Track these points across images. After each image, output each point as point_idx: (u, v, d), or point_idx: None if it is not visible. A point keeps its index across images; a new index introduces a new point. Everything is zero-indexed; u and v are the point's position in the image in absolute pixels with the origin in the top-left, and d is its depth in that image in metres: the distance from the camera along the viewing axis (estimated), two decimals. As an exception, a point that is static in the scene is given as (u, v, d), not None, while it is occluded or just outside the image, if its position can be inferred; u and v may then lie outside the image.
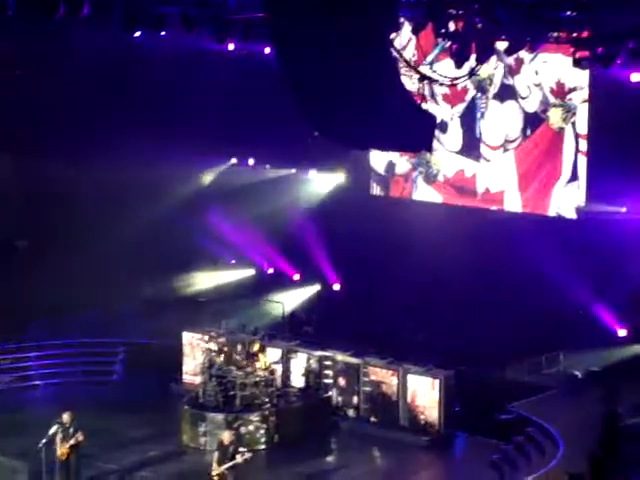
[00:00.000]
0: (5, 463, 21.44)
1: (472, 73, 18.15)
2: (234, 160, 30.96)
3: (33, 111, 26.66)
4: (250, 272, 31.10)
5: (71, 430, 20.09)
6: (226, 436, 19.78)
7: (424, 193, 28.36)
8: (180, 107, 27.80)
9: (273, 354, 24.46)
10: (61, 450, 20.04)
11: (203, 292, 29.90)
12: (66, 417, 20.13)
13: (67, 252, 26.90)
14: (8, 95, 26.22)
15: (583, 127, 25.52)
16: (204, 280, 30.42)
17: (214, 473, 19.37)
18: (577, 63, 18.47)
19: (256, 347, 23.84)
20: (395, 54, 12.29)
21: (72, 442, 20.02)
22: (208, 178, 30.78)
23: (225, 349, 24.18)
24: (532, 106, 26.27)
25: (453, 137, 27.45)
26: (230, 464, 19.30)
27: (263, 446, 22.34)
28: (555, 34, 18.64)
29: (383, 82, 11.90)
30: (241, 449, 19.71)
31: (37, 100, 26.56)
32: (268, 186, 30.50)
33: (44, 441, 19.86)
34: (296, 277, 30.47)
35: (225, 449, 19.49)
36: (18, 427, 22.56)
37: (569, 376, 23.64)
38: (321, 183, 30.32)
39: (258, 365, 23.37)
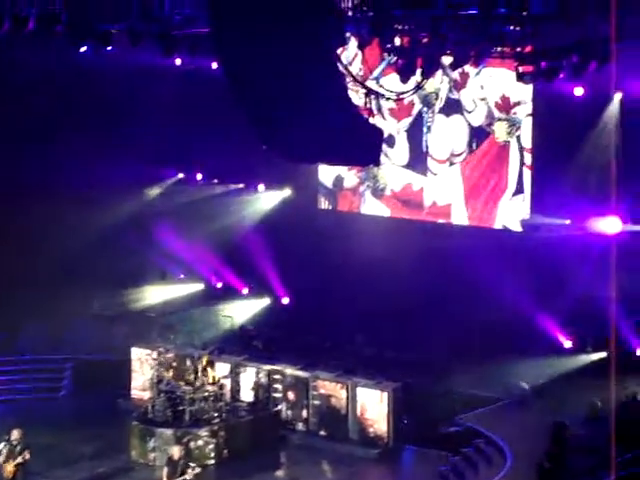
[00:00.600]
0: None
1: (418, 87, 18.32)
2: (181, 175, 30.90)
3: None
4: (199, 286, 31.02)
5: (18, 448, 19.92)
6: (175, 451, 19.77)
7: (372, 207, 28.51)
8: (127, 121, 27.72)
9: (222, 368, 24.44)
10: (7, 468, 19.86)
11: (152, 307, 29.75)
12: (15, 434, 19.96)
13: (11, 263, 26.61)
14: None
15: (528, 141, 25.83)
16: (153, 295, 30.29)
17: None
18: (520, 77, 18.71)
19: (204, 362, 23.80)
20: (342, 69, 12.41)
21: (19, 460, 19.85)
22: (155, 192, 30.69)
23: (174, 364, 24.11)
24: (478, 120, 26.54)
25: (400, 151, 27.65)
26: (181, 479, 19.28)
27: (212, 461, 22.30)
28: (499, 49, 18.90)
29: (331, 97, 12.00)
30: (191, 464, 19.69)
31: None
32: (216, 201, 30.47)
33: (-9, 459, 19.70)
34: (245, 291, 30.45)
35: (175, 464, 19.50)
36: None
37: (516, 388, 23.82)
38: (269, 198, 30.35)
39: (207, 380, 23.32)
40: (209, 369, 23.79)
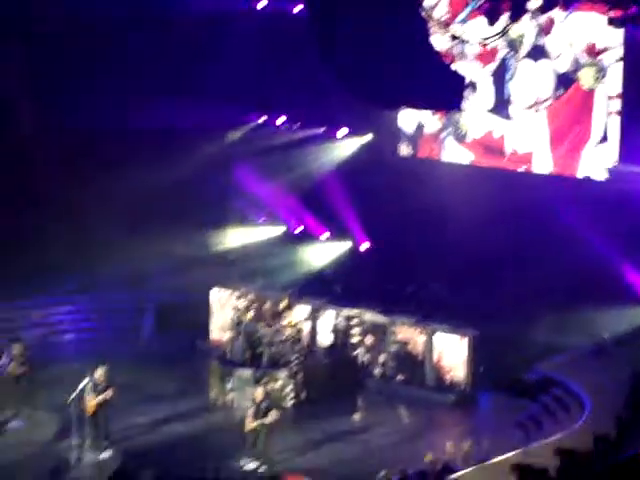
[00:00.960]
0: (36, 416, 21.79)
1: (504, 32, 18.06)
2: (263, 118, 30.95)
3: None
4: (279, 230, 31.19)
5: (102, 385, 20.37)
6: (259, 392, 20.08)
7: (452, 153, 28.28)
8: (211, 64, 27.81)
9: (301, 312, 24.60)
10: (90, 405, 20.33)
11: (232, 249, 30.02)
12: (99, 372, 20.40)
13: (92, 204, 26.97)
14: None
15: (615, 87, 25.34)
16: (233, 237, 30.55)
17: (247, 428, 19.70)
18: (611, 22, 18.33)
19: (284, 305, 23.98)
20: (425, 14, 12.29)
21: (101, 398, 20.29)
22: (237, 135, 30.80)
23: (254, 306, 24.34)
24: (563, 66, 26.09)
25: (483, 97, 27.31)
26: (262, 420, 19.64)
27: (290, 403, 22.54)
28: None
29: (413, 42, 11.91)
30: (273, 406, 20.01)
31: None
32: (297, 146, 30.49)
33: (74, 395, 20.16)
34: (325, 236, 30.54)
35: (258, 405, 19.83)
36: (49, 381, 22.85)
37: (597, 337, 23.64)
38: (350, 143, 30.27)
39: (286, 323, 23.51)
40: (288, 312, 23.97)
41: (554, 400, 21.66)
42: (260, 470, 19.55)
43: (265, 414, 19.76)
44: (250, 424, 19.80)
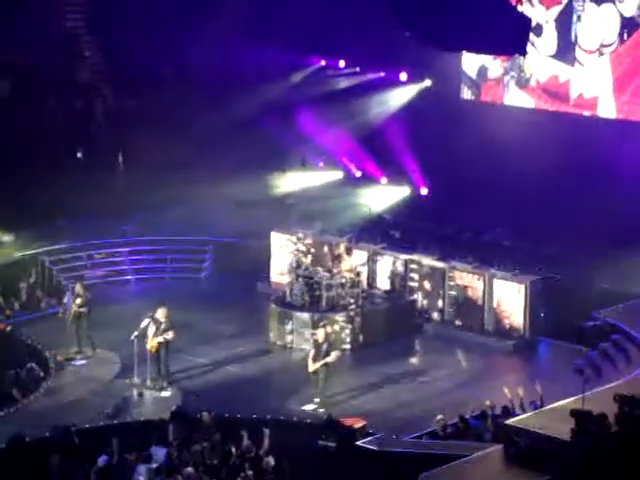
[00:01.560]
0: (99, 354, 22.16)
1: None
2: (323, 62, 30.78)
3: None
4: (338, 174, 31.14)
5: (163, 326, 20.62)
6: (320, 334, 20.24)
7: (516, 98, 27.98)
8: (274, 6, 27.71)
9: (359, 256, 24.63)
10: (151, 344, 20.61)
11: (292, 193, 30.06)
12: (160, 312, 20.64)
13: (154, 147, 27.08)
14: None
15: (682, 31, 24.86)
16: (293, 181, 30.58)
17: (309, 370, 19.91)
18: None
19: (342, 249, 24.03)
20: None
21: (161, 339, 20.55)
22: (298, 78, 30.69)
23: (312, 250, 24.39)
24: (629, 10, 25.61)
25: (548, 41, 26.94)
26: (324, 361, 19.84)
27: (348, 346, 22.66)
28: None
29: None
30: (334, 348, 20.19)
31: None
32: (357, 90, 30.32)
33: (136, 334, 20.49)
34: (384, 180, 30.46)
35: (319, 346, 20.00)
36: (111, 320, 23.17)
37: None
38: (411, 87, 30.04)
39: (344, 266, 23.56)
40: (346, 256, 24.01)
41: (614, 346, 21.53)
42: (320, 410, 19.74)
43: (326, 355, 19.94)
44: (311, 366, 20.00)
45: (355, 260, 24.22)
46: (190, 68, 27.38)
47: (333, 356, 20.04)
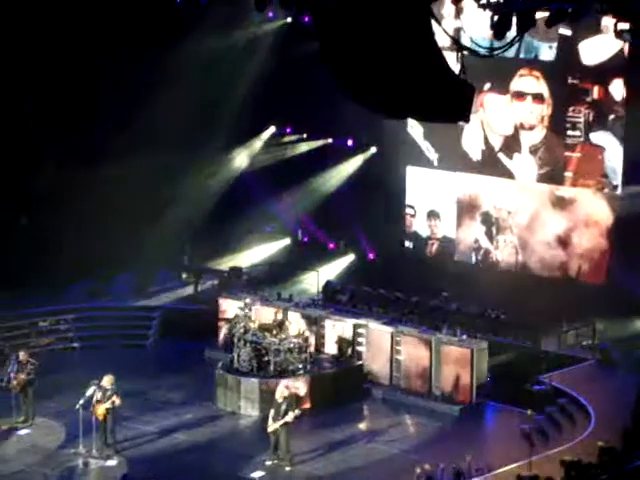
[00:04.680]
0: (43, 423, 21.87)
1: (511, 44, 18.03)
2: (273, 129, 30.92)
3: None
4: (286, 241, 31.24)
5: (109, 393, 20.44)
6: (279, 393, 20.26)
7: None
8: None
9: (307, 321, 24.64)
10: (98, 411, 20.40)
11: (239, 259, 30.07)
12: (106, 380, 20.48)
13: (100, 214, 26.96)
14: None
15: None
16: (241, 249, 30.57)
17: (270, 430, 19.96)
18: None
19: (279, 316, 24.07)
20: (435, 24, 12.32)
21: (108, 405, 20.37)
22: (247, 150, 30.83)
23: (259, 315, 24.39)
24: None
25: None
26: (283, 420, 19.99)
27: (308, 405, 22.59)
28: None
29: (422, 51, 11.95)
30: (292, 406, 20.29)
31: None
32: (305, 157, 30.53)
33: (81, 402, 20.27)
34: (331, 246, 30.59)
35: (278, 406, 20.08)
36: (56, 388, 22.92)
37: (602, 348, 23.67)
38: (357, 155, 30.21)
39: (291, 332, 23.57)
40: (294, 321, 24.01)
41: (560, 411, 21.67)
42: (287, 469, 19.87)
43: (284, 415, 20.02)
44: (271, 425, 20.07)
45: (303, 325, 24.25)
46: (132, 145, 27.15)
47: (292, 415, 20.04)
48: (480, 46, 18.32)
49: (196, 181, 29.00)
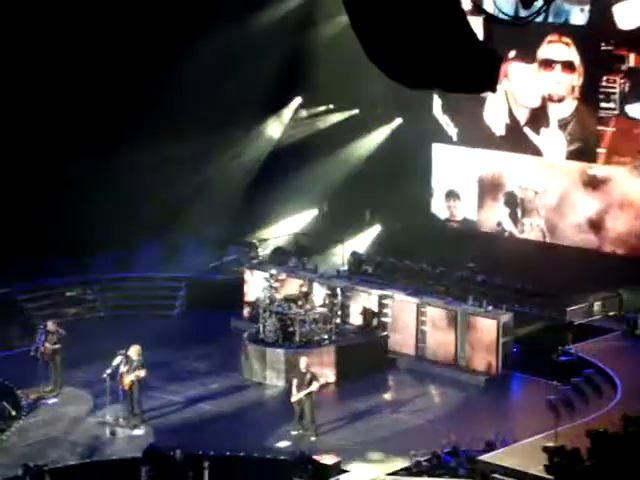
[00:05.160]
0: (71, 392, 22.03)
1: (538, 13, 17.85)
2: (299, 100, 30.69)
3: None
4: (313, 212, 31.16)
5: (135, 363, 20.54)
6: (302, 363, 20.30)
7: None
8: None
9: (333, 291, 24.63)
10: (124, 381, 20.51)
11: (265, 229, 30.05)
12: (133, 350, 20.57)
13: (130, 184, 26.97)
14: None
15: None
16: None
17: (294, 399, 20.01)
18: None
19: (304, 288, 24.07)
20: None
21: (133, 377, 20.46)
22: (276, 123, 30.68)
23: (285, 286, 24.41)
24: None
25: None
26: (307, 390, 20.00)
27: (321, 380, 22.58)
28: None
29: (447, 19, 11.84)
30: (317, 376, 20.29)
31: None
32: (332, 129, 30.33)
33: (108, 371, 20.39)
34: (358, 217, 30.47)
35: (302, 376, 20.10)
36: (83, 358, 23.04)
37: (628, 319, 23.56)
38: (385, 126, 29.97)
39: (317, 302, 23.59)
40: (320, 292, 24.02)
41: (586, 382, 21.61)
42: (312, 439, 19.87)
43: (309, 384, 20.05)
44: (295, 395, 20.13)
45: (328, 295, 24.20)
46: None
47: (316, 385, 20.09)
48: (504, 13, 18.14)
49: (227, 160, 28.99)
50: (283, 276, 24.86)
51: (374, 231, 29.80)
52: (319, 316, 23.15)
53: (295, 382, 20.37)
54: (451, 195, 27.98)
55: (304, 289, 24.11)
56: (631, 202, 24.78)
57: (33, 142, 26.49)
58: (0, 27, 25.78)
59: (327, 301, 23.76)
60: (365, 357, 23.36)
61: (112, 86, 26.77)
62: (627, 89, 24.32)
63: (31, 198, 26.43)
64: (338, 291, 24.72)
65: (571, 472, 13.26)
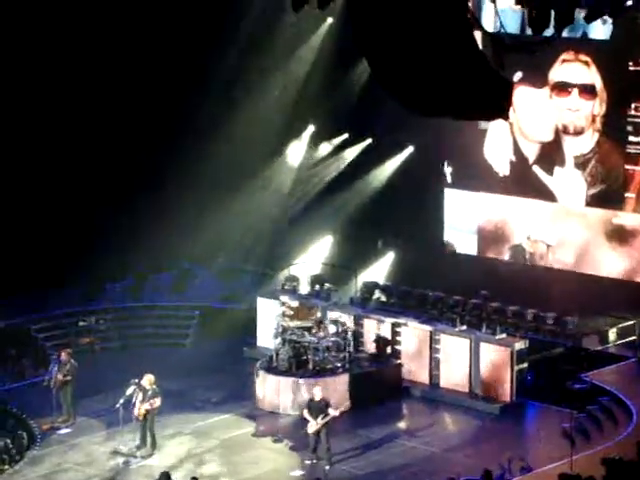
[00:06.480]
0: (84, 422, 22.00)
1: (549, 40, 17.75)
2: (312, 128, 30.69)
3: None
4: (328, 239, 31.12)
5: (149, 393, 20.52)
6: (316, 392, 20.27)
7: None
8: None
9: (346, 320, 24.60)
10: (138, 411, 20.48)
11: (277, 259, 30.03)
12: (146, 380, 20.56)
13: (140, 211, 27.06)
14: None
15: None
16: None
17: (312, 430, 20.05)
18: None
19: (318, 314, 24.04)
20: (471, 19, 12.24)
21: (147, 406, 20.43)
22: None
23: (298, 314, 24.38)
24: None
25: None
26: (327, 419, 19.97)
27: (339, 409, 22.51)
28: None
29: (459, 47, 11.88)
30: (331, 405, 20.24)
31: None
32: (340, 155, 30.36)
33: (121, 401, 20.37)
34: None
35: (317, 405, 20.12)
36: (96, 388, 23.02)
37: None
38: (397, 154, 29.91)
39: (331, 330, 23.55)
40: (333, 319, 23.98)
41: (601, 410, 21.49)
42: (326, 468, 19.80)
43: (324, 412, 20.07)
44: (313, 425, 20.07)
45: (341, 323, 24.15)
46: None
47: (335, 412, 20.09)
48: (510, 35, 17.75)
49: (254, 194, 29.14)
50: (296, 304, 24.84)
51: (387, 259, 29.77)
52: (332, 344, 23.12)
53: (309, 411, 20.30)
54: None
55: (318, 317, 24.08)
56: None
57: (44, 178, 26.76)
58: (30, 72, 26.09)
59: (340, 329, 23.73)
60: (379, 385, 23.29)
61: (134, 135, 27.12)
62: (661, 119, 20.06)
63: (45, 230, 26.53)
64: (351, 319, 24.70)
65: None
